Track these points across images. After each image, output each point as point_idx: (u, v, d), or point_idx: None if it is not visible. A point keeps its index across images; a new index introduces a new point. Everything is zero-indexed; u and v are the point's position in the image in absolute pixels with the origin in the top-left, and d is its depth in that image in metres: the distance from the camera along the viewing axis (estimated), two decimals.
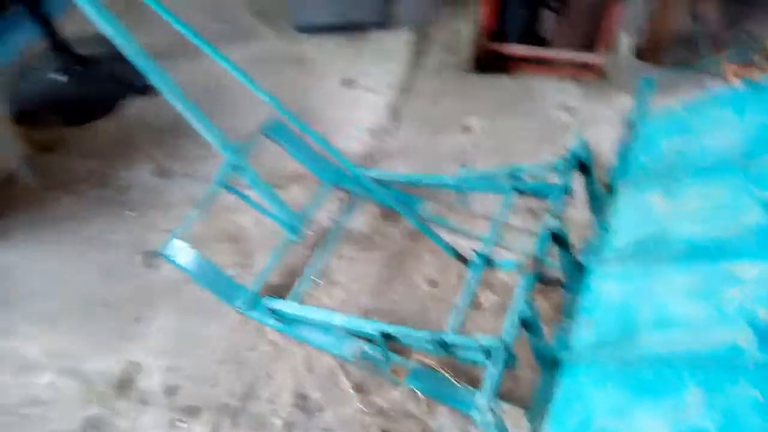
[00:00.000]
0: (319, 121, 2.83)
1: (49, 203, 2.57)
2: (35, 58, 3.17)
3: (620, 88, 2.83)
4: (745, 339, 1.18)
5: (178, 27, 1.77)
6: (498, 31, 2.89)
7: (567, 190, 1.86)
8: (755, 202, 1.49)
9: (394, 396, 1.91)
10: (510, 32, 2.90)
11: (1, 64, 3.22)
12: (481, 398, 1.31)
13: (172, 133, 2.78)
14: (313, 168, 2.49)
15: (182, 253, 2.07)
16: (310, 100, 2.95)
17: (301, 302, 2.11)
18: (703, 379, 1.17)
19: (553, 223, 1.73)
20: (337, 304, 2.16)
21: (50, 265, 2.35)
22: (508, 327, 1.46)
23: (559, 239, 1.75)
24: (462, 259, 2.13)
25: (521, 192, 2.05)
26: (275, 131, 2.41)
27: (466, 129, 2.75)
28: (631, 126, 2.05)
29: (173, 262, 2.06)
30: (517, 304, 1.50)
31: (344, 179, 2.47)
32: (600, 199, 1.92)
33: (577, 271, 1.75)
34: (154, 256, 2.33)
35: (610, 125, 2.62)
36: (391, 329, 1.73)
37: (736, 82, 2.82)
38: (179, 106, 1.83)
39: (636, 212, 1.75)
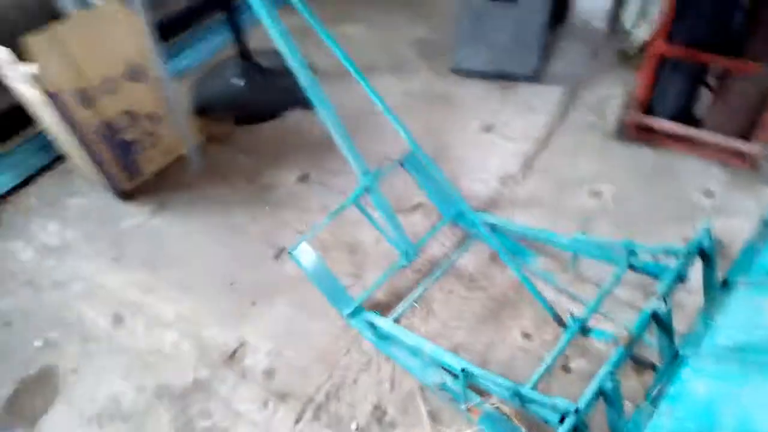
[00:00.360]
0: (453, 160, 2.99)
1: (206, 187, 2.97)
2: (221, 63, 3.67)
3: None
4: None
5: (338, 54, 2.01)
6: (649, 102, 2.87)
7: (681, 276, 1.84)
8: None
9: None
10: (662, 106, 2.87)
11: (194, 65, 3.76)
12: None
13: (320, 146, 3.08)
14: (437, 202, 2.64)
15: (306, 254, 2.31)
16: (449, 138, 3.12)
17: (398, 323, 2.26)
18: None
19: (657, 304, 1.73)
20: (431, 333, 2.27)
21: (195, 240, 2.71)
22: (586, 395, 1.50)
23: (661, 322, 1.75)
24: (559, 320, 2.15)
25: (634, 268, 2.05)
26: (410, 163, 2.59)
27: (596, 193, 2.76)
28: (765, 225, 1.97)
29: (297, 261, 2.30)
30: (601, 374, 1.53)
31: (463, 218, 2.59)
32: (716, 292, 1.87)
33: (672, 358, 1.73)
34: (281, 252, 2.61)
35: (750, 219, 2.50)
36: (473, 369, 1.81)
37: None
38: (329, 123, 2.07)
39: (747, 313, 1.69)
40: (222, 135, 3.27)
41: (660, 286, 1.77)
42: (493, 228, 2.50)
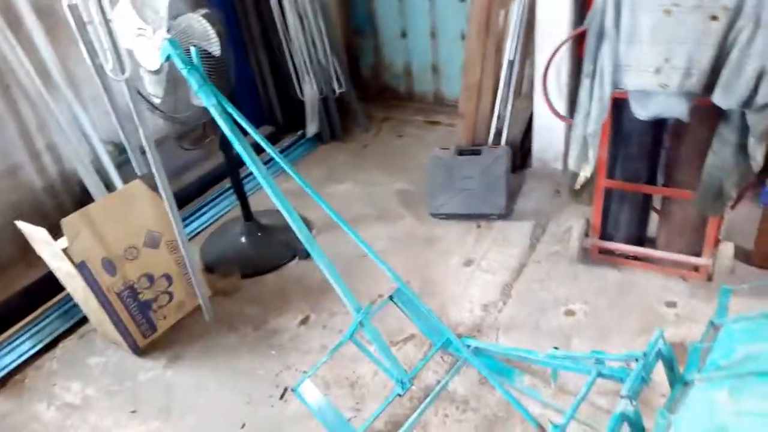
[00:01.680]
0: (438, 293, 3.31)
1: (216, 338, 3.24)
2: (227, 224, 4.12)
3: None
4: None
5: (327, 210, 2.39)
6: (605, 229, 3.26)
7: (644, 378, 2.08)
8: None
9: None
10: (616, 231, 3.25)
11: (203, 227, 4.20)
12: None
13: (318, 291, 3.41)
14: (426, 332, 2.90)
15: (309, 391, 2.52)
16: (434, 274, 3.46)
17: None
18: None
19: (624, 405, 1.95)
20: None
21: (207, 388, 2.93)
22: None
23: (630, 421, 1.95)
24: (543, 430, 2.33)
25: (603, 375, 2.28)
26: (399, 298, 2.89)
27: (569, 312, 3.04)
28: (711, 325, 2.24)
29: (301, 398, 2.51)
30: None
31: (451, 345, 2.84)
32: (676, 390, 2.10)
33: None
34: (286, 392, 2.82)
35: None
36: None
37: None
38: (323, 268, 2.39)
39: (700, 407, 1.90)
40: (229, 289, 3.60)
41: (624, 389, 2.00)
42: (479, 351, 2.75)
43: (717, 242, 3.00)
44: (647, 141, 2.94)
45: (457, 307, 3.19)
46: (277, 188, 2.23)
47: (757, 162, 2.53)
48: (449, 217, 3.89)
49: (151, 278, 3.12)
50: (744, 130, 2.46)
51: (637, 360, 2.14)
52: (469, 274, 3.44)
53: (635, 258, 3.25)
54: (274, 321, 3.30)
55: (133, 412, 2.84)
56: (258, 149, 2.29)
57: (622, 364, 2.28)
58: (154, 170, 2.80)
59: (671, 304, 3.00)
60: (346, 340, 2.55)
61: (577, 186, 2.95)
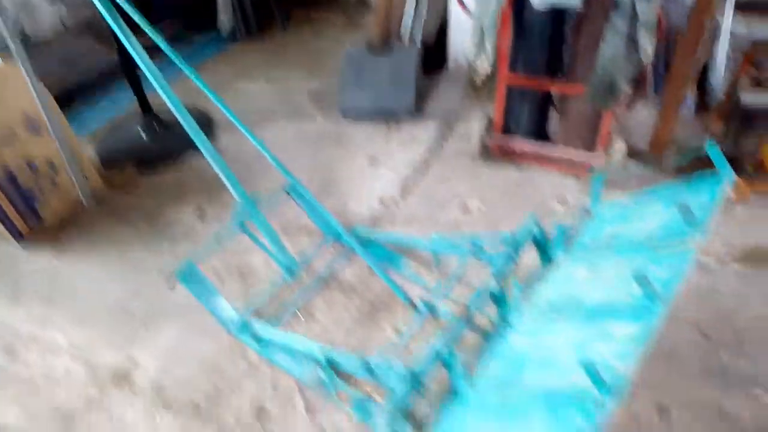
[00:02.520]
0: (342, 188, 3.28)
1: (109, 230, 3.14)
2: (126, 117, 3.92)
3: (615, 186, 3.07)
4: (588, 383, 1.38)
5: (221, 107, 2.28)
6: (507, 126, 3.26)
7: (513, 259, 2.12)
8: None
9: (338, 418, 2.15)
10: (517, 127, 3.26)
11: (103, 121, 3.99)
12: (383, 414, 1.57)
13: (220, 186, 3.29)
14: (319, 224, 2.88)
15: (193, 276, 2.48)
16: (338, 171, 3.41)
17: (278, 328, 2.44)
18: (551, 411, 1.38)
19: (490, 283, 1.99)
20: (311, 337, 2.46)
21: (94, 277, 2.86)
22: (423, 360, 1.73)
23: (496, 298, 2.01)
24: (414, 306, 2.39)
25: (477, 257, 2.32)
26: (295, 191, 2.84)
27: (466, 209, 3.07)
28: (585, 213, 2.29)
29: (184, 281, 2.47)
30: (437, 342, 1.76)
31: (342, 236, 2.84)
32: (544, 269, 2.17)
33: (503, 325, 1.98)
34: (174, 278, 2.77)
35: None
36: (336, 356, 2.02)
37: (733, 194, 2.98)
38: (210, 159, 2.30)
39: (563, 280, 1.97)
40: (126, 182, 3.46)
41: (493, 270, 2.04)
42: (368, 242, 2.75)
43: (610, 140, 3.05)
44: (548, 34, 2.90)
45: (358, 203, 3.17)
46: (163, 82, 2.08)
47: (647, 54, 2.53)
48: (359, 116, 3.81)
49: (33, 166, 2.95)
50: (634, 19, 2.44)
51: (507, 242, 2.19)
52: (374, 171, 3.41)
53: (534, 156, 3.27)
54: (169, 214, 3.21)
55: (13, 298, 2.76)
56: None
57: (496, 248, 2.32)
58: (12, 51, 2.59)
59: (563, 201, 3.06)
60: (233, 229, 2.50)
61: (477, 79, 2.90)
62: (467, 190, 3.19)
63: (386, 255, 2.75)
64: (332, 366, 2.06)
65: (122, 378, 2.37)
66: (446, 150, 3.50)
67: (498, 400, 1.64)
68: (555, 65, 3.02)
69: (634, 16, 2.46)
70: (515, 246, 2.14)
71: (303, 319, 2.57)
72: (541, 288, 2.00)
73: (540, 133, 3.30)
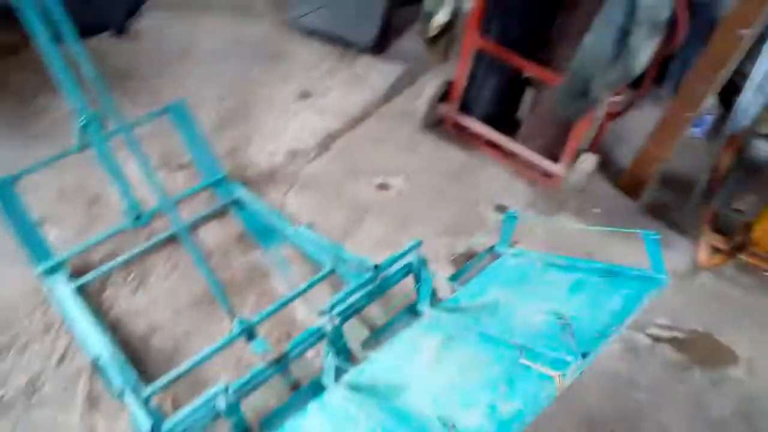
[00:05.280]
0: (251, 121, 2.71)
1: None
2: None
3: (565, 207, 2.52)
4: None
5: None
6: (468, 98, 2.64)
7: (371, 294, 1.63)
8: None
9: (117, 424, 1.75)
10: (478, 105, 2.64)
11: None
12: None
13: (125, 76, 2.74)
14: (198, 162, 2.35)
15: (7, 194, 1.99)
16: (258, 97, 2.83)
17: (93, 290, 1.99)
18: None
19: (323, 322, 1.52)
20: (131, 310, 2.01)
21: None
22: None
23: (329, 338, 1.54)
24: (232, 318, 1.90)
25: (339, 274, 1.83)
26: (178, 114, 2.29)
27: (384, 185, 2.52)
28: (490, 254, 1.77)
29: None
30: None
31: (221, 185, 2.32)
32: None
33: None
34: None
35: (533, 242, 2.33)
36: (110, 358, 1.59)
37: (706, 258, 2.41)
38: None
39: (405, 350, 1.49)
40: (17, 46, 2.87)
41: (328, 304, 1.55)
42: (243, 205, 2.24)
43: (578, 151, 2.45)
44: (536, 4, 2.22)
45: (260, 146, 2.61)
46: None
47: (639, 61, 1.88)
48: (311, 33, 3.14)
49: None
50: (631, 15, 1.77)
51: (379, 269, 1.69)
52: (298, 108, 2.82)
53: (489, 144, 2.68)
54: (45, 98, 2.65)
55: None
56: None
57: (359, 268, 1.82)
58: None
59: (501, 208, 2.51)
60: (74, 150, 1.96)
61: (431, 32, 2.25)
62: (396, 162, 2.62)
63: (263, 228, 2.23)
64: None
65: None
66: (392, 106, 2.89)
67: None
68: (537, 43, 2.36)
69: (634, 6, 1.79)
70: (372, 278, 1.64)
71: (132, 282, 2.10)
72: (374, 362, 1.51)
73: (505, 117, 2.68)
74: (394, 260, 1.66)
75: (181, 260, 2.16)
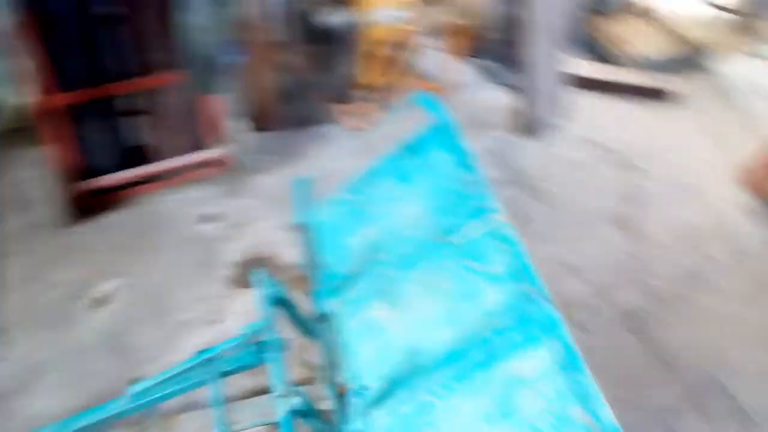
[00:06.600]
0: None
1: None
2: None
3: (250, 170, 2.56)
4: None
5: None
6: (87, 163, 2.27)
7: (279, 346, 1.48)
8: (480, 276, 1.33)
9: None
10: (100, 159, 2.31)
11: None
12: None
13: None
14: None
15: None
16: None
17: None
18: None
19: (291, 402, 1.33)
20: None
21: None
22: None
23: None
24: None
25: (228, 373, 1.59)
26: None
27: (99, 301, 2.07)
28: (305, 234, 1.75)
29: None
30: None
31: None
32: (310, 324, 1.62)
33: None
34: None
35: (268, 218, 2.33)
36: None
37: (351, 123, 2.86)
38: None
39: (368, 334, 1.47)
40: None
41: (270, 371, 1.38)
42: None
43: (219, 125, 2.45)
44: (81, 33, 2.00)
45: None
46: None
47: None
48: None
49: None
50: None
51: (253, 332, 1.52)
52: None
53: (144, 183, 2.41)
54: None
55: None
56: None
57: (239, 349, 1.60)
58: None
59: (213, 218, 2.38)
60: None
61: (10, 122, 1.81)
62: (79, 273, 2.13)
63: None
64: None
65: None
66: (7, 229, 2.25)
67: None
68: (116, 66, 2.14)
69: None
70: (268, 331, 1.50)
71: None
72: (351, 350, 1.44)
73: (134, 154, 2.40)
74: (266, 301, 1.52)
75: None
